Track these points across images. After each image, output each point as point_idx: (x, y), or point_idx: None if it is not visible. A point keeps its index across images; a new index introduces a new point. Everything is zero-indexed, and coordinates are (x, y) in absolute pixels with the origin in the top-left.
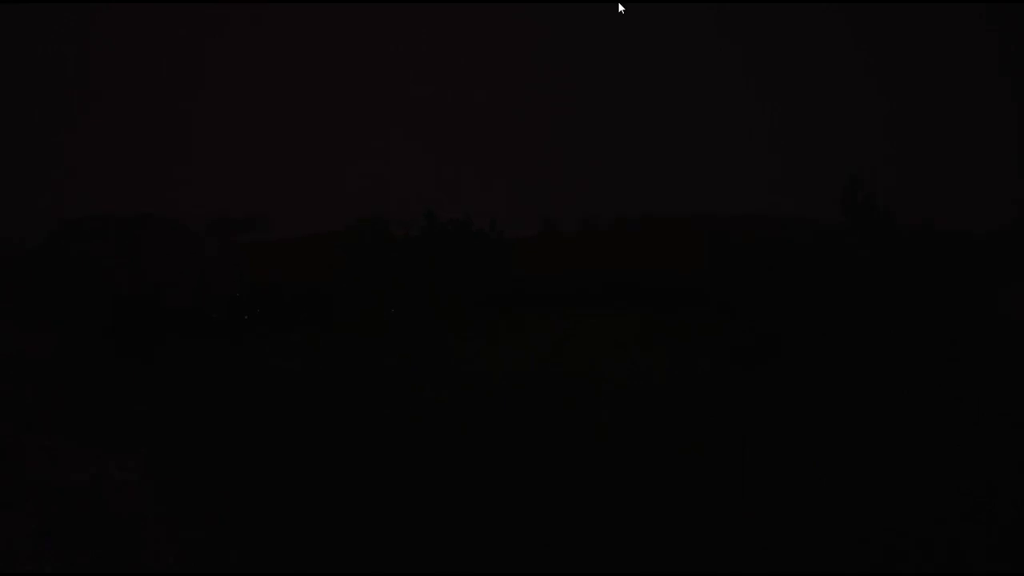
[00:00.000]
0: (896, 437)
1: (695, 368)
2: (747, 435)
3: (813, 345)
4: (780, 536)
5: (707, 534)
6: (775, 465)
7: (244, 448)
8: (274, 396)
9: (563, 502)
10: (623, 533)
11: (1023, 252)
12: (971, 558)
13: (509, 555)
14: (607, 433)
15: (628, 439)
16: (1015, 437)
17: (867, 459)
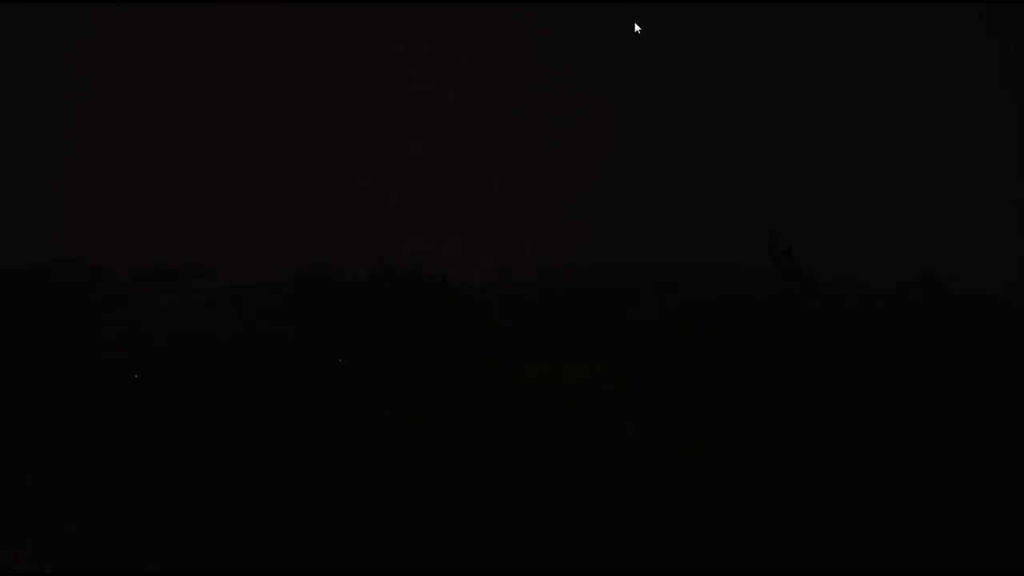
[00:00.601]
0: (897, 437)
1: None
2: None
3: (785, 391)
4: (781, 535)
5: (706, 531)
6: (774, 458)
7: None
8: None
9: (563, 501)
10: (621, 532)
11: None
12: (971, 558)
13: (509, 555)
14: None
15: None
16: (1015, 437)
17: (868, 459)
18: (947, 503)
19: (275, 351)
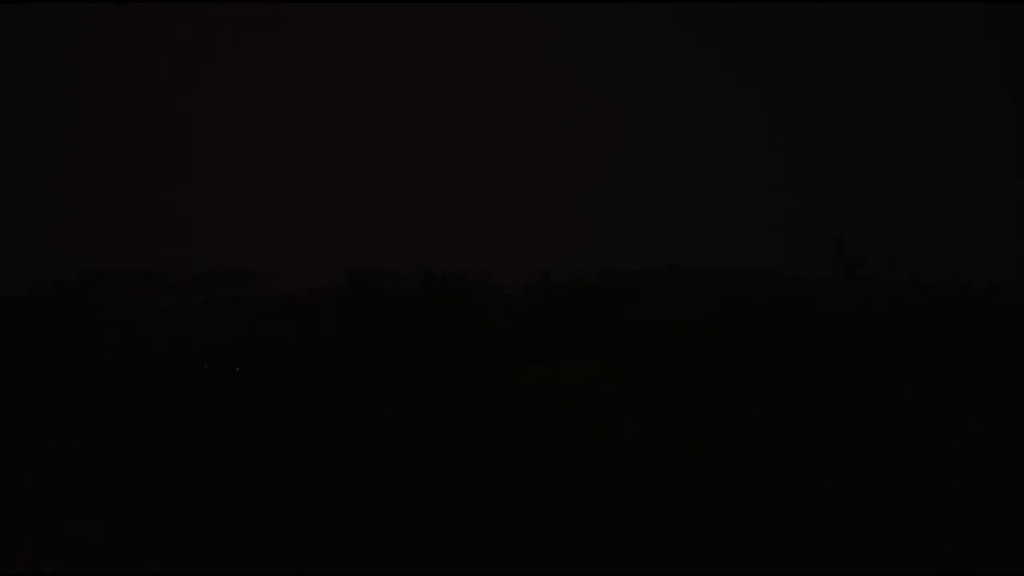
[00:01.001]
0: (897, 437)
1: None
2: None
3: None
4: (781, 535)
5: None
6: (774, 458)
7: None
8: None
9: (564, 500)
10: (622, 532)
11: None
12: (971, 558)
13: (509, 554)
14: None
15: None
16: (1015, 437)
17: (868, 459)
18: (947, 503)
19: (275, 351)
